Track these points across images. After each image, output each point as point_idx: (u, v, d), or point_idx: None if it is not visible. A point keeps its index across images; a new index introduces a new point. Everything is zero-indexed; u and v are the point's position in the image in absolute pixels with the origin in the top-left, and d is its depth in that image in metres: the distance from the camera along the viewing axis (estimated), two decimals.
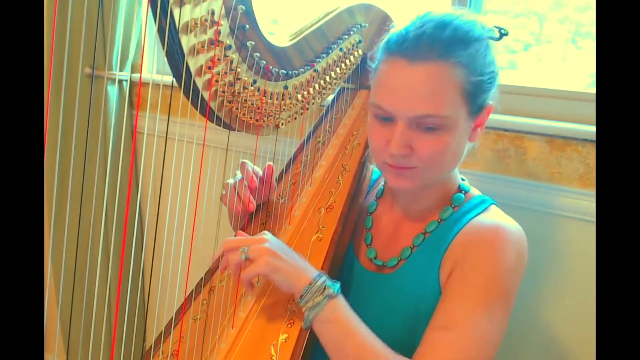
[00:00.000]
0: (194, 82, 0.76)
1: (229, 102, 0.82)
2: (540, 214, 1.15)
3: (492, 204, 0.88)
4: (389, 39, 0.81)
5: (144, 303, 1.81)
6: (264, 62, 0.83)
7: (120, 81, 1.66)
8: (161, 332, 0.88)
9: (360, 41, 1.02)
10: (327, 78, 0.97)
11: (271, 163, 0.97)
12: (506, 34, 0.84)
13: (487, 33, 0.81)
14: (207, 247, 0.89)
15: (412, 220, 0.90)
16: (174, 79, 0.75)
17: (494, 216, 0.85)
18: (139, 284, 1.78)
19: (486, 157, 1.21)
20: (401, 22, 0.82)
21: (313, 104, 0.97)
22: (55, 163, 1.68)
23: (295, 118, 0.95)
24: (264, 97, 0.86)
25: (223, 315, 0.85)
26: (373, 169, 1.05)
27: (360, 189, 0.99)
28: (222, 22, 0.75)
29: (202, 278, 0.92)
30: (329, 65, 0.97)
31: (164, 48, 0.71)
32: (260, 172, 0.97)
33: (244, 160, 0.96)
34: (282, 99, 0.89)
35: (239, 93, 0.82)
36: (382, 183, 0.99)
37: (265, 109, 0.87)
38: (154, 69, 1.66)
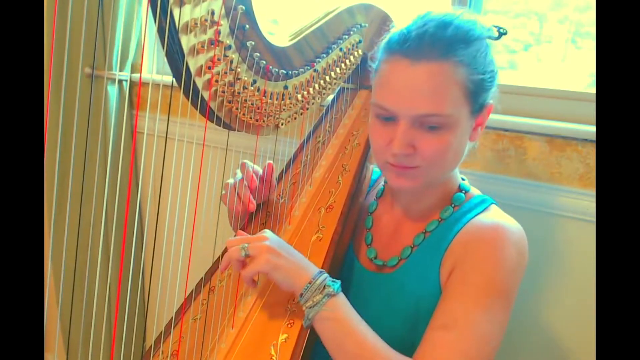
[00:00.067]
0: (194, 82, 0.76)
1: (229, 102, 0.82)
2: (540, 214, 1.15)
3: (493, 203, 0.88)
4: (390, 38, 0.81)
5: (144, 303, 1.81)
6: (264, 62, 0.83)
7: (120, 81, 1.66)
8: (161, 332, 0.88)
9: (360, 41, 1.02)
10: (327, 78, 0.97)
11: (271, 162, 0.97)
12: (505, 34, 0.84)
13: (487, 32, 0.81)
14: (207, 247, 0.89)
15: (413, 220, 0.90)
16: (174, 79, 0.75)
17: (494, 216, 0.85)
18: (139, 284, 1.78)
19: (486, 157, 1.21)
20: (401, 22, 0.83)
21: (313, 104, 0.97)
22: (55, 163, 1.68)
23: (295, 118, 0.95)
24: (263, 97, 0.86)
25: (223, 315, 0.85)
26: (373, 169, 1.05)
27: (360, 189, 0.99)
28: (222, 22, 0.75)
29: (202, 278, 0.92)
30: (329, 65, 0.97)
31: (163, 48, 0.71)
32: (261, 171, 0.97)
33: (244, 161, 0.96)
34: (282, 99, 0.89)
35: (238, 93, 0.82)
36: (382, 183, 0.99)
37: (265, 109, 0.87)
38: (154, 69, 1.66)
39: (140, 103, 1.60)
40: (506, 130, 1.18)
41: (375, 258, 0.90)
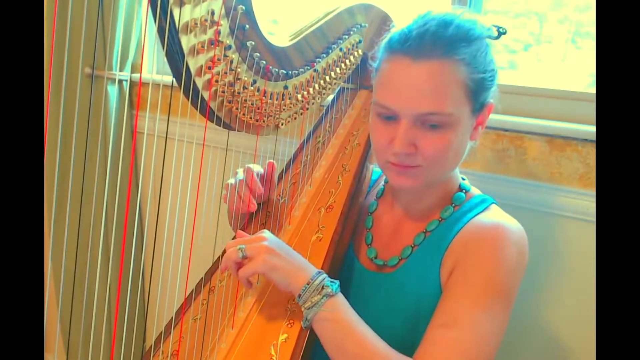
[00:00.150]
0: (194, 82, 0.76)
1: (229, 102, 0.82)
2: (540, 214, 1.15)
3: (493, 203, 0.88)
4: (391, 37, 0.81)
5: (144, 303, 1.81)
6: (264, 62, 0.83)
7: (120, 81, 1.66)
8: (161, 332, 0.88)
9: (360, 41, 1.02)
10: (327, 78, 0.97)
11: (272, 161, 0.97)
12: (504, 33, 0.84)
13: (487, 32, 0.81)
14: (207, 247, 0.89)
15: (413, 220, 0.90)
16: (174, 79, 0.75)
17: (495, 215, 0.85)
18: (139, 284, 1.78)
19: (486, 157, 1.21)
20: (401, 22, 0.83)
21: (313, 104, 0.97)
22: (55, 163, 1.68)
23: (295, 118, 0.95)
24: (263, 97, 0.86)
25: (223, 315, 0.85)
26: (373, 169, 1.05)
27: (360, 189, 0.99)
28: (222, 22, 0.75)
29: (202, 278, 0.92)
30: (329, 65, 0.97)
31: (164, 48, 0.71)
32: (262, 171, 0.97)
33: (249, 165, 0.96)
34: (282, 99, 0.89)
35: (238, 93, 0.82)
36: (383, 183, 0.99)
37: (265, 109, 0.87)
38: (154, 69, 1.66)
39: (140, 103, 1.61)
40: (506, 130, 1.18)
41: (376, 258, 0.90)
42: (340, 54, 0.99)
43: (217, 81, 0.78)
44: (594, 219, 1.09)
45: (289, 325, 0.79)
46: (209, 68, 0.76)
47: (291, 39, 0.89)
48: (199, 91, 0.77)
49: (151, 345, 0.86)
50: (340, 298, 0.77)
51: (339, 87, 1.11)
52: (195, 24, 0.72)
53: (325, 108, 1.12)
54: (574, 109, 1.16)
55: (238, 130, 0.87)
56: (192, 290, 0.90)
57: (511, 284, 0.78)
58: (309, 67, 0.92)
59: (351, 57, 1.02)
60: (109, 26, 1.59)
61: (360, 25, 1.01)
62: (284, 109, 0.91)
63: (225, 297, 0.88)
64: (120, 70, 1.64)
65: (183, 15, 0.71)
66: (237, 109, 0.84)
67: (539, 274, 1.16)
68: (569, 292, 1.15)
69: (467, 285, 0.78)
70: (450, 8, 0.93)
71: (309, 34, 0.91)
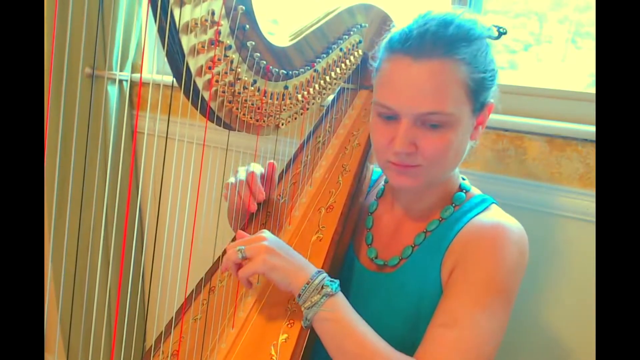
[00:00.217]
0: (194, 82, 0.76)
1: (229, 102, 0.82)
2: (540, 214, 1.15)
3: (493, 203, 0.88)
4: (391, 37, 0.81)
5: (144, 304, 1.81)
6: (264, 62, 0.83)
7: (120, 81, 1.66)
8: (161, 332, 0.88)
9: (360, 41, 1.02)
10: (327, 78, 0.97)
11: (273, 161, 0.97)
12: (505, 33, 0.84)
13: (487, 32, 0.81)
14: (207, 248, 0.89)
15: (413, 220, 0.90)
16: (174, 79, 0.75)
17: (495, 215, 0.85)
18: (139, 287, 1.78)
19: (486, 157, 1.21)
20: (401, 22, 0.83)
21: (313, 104, 0.97)
22: (55, 163, 1.68)
23: (296, 118, 0.95)
24: (264, 97, 0.86)
25: (223, 316, 0.85)
26: (373, 169, 1.05)
27: (361, 189, 0.99)
28: (222, 22, 0.75)
29: (202, 278, 0.92)
30: (329, 66, 0.97)
31: (164, 48, 0.71)
32: (263, 170, 0.97)
33: (250, 165, 0.96)
34: (282, 99, 0.89)
35: (239, 93, 0.82)
36: (383, 183, 1.00)
37: (265, 109, 0.87)
38: (154, 69, 1.66)
39: (140, 103, 1.61)
40: (506, 130, 1.18)
41: (376, 258, 0.90)
42: (341, 54, 0.99)
43: (217, 81, 0.78)
44: (594, 219, 1.09)
45: (289, 325, 0.79)
46: (209, 68, 0.76)
47: (291, 39, 0.89)
48: (199, 91, 0.77)
49: (151, 345, 0.86)
50: (340, 297, 0.77)
51: (339, 87, 1.11)
52: (196, 24, 0.72)
53: (325, 108, 1.12)
54: (574, 109, 1.16)
55: (238, 131, 0.87)
56: (193, 291, 0.90)
57: (511, 284, 0.78)
58: (309, 67, 0.92)
59: (351, 57, 1.02)
60: (109, 26, 1.59)
61: (361, 26, 1.01)
62: (284, 109, 0.91)
63: (225, 297, 0.88)
64: (121, 71, 1.64)
65: (183, 15, 0.71)
66: (237, 109, 0.84)
67: (539, 274, 1.16)
68: (569, 292, 1.15)
69: (467, 284, 0.78)
70: (450, 8, 0.93)
71: (309, 34, 0.91)
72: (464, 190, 0.89)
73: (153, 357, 0.84)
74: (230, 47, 0.78)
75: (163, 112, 1.54)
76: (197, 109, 0.79)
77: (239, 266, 0.78)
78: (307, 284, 0.75)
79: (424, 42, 0.76)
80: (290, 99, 0.91)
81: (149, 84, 1.48)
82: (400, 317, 0.84)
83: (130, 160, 1.68)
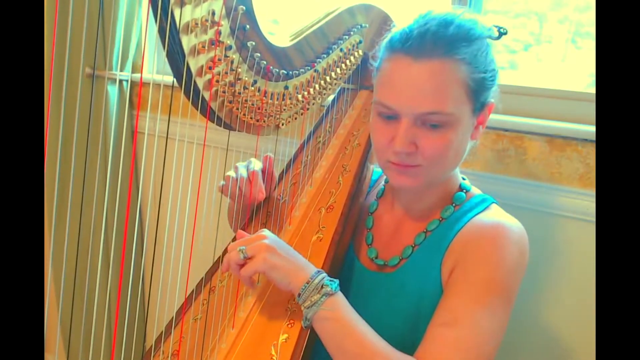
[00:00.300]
0: (195, 82, 0.76)
1: (230, 102, 0.82)
2: (540, 214, 1.15)
3: (493, 202, 0.88)
4: (392, 37, 0.81)
5: (144, 305, 1.81)
6: (265, 62, 0.83)
7: (120, 81, 1.66)
8: (162, 332, 0.88)
9: (360, 41, 1.02)
10: (328, 78, 0.97)
11: (268, 154, 0.97)
12: (505, 33, 0.84)
13: (487, 32, 0.81)
14: (207, 248, 0.89)
15: (414, 219, 0.90)
16: (175, 79, 0.75)
17: (495, 215, 0.85)
18: (139, 288, 1.78)
19: (486, 157, 1.21)
20: (401, 22, 0.83)
21: (313, 104, 0.97)
22: (56, 163, 1.68)
23: (296, 118, 0.96)
24: (264, 98, 0.86)
25: (223, 316, 0.85)
26: (373, 169, 1.05)
27: (361, 189, 0.99)
28: (222, 22, 0.75)
29: (202, 278, 0.92)
30: (330, 66, 0.97)
31: (164, 48, 0.71)
32: (261, 166, 0.97)
33: (255, 169, 0.95)
34: (283, 99, 0.89)
35: (239, 93, 0.82)
36: (383, 183, 1.00)
37: (265, 109, 0.88)
38: (155, 69, 1.66)
39: (140, 103, 1.61)
40: (506, 130, 1.18)
41: (376, 258, 0.90)
42: (341, 54, 0.99)
43: (217, 81, 0.78)
44: (594, 219, 1.09)
45: (290, 325, 0.79)
46: (210, 68, 0.76)
47: (292, 39, 0.89)
48: (199, 91, 0.77)
49: (152, 345, 0.86)
50: (340, 297, 0.77)
51: (339, 88, 1.11)
52: (196, 24, 0.72)
53: (325, 108, 1.12)
54: (574, 109, 1.16)
55: (239, 131, 0.87)
56: (193, 291, 0.91)
57: (512, 283, 0.78)
58: (309, 68, 0.92)
59: (352, 58, 1.02)
60: (109, 26, 1.59)
61: (361, 26, 1.01)
62: (284, 109, 0.91)
63: (225, 297, 0.88)
64: (121, 71, 1.64)
65: (184, 15, 0.71)
66: (237, 109, 0.84)
67: (539, 274, 1.16)
68: (569, 292, 1.15)
69: (467, 284, 0.78)
70: (450, 8, 0.93)
71: (309, 34, 0.91)
72: (464, 190, 0.89)
73: (153, 357, 0.84)
74: (230, 47, 0.78)
75: (163, 112, 1.54)
76: (197, 109, 0.79)
77: (240, 267, 0.78)
78: (307, 283, 0.75)
79: (424, 42, 0.76)
80: (290, 99, 0.91)
81: (149, 84, 1.48)
82: (400, 316, 0.84)
83: (130, 161, 1.68)
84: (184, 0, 0.70)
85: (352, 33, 0.99)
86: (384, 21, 1.04)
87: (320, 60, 0.94)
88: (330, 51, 0.96)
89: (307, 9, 1.51)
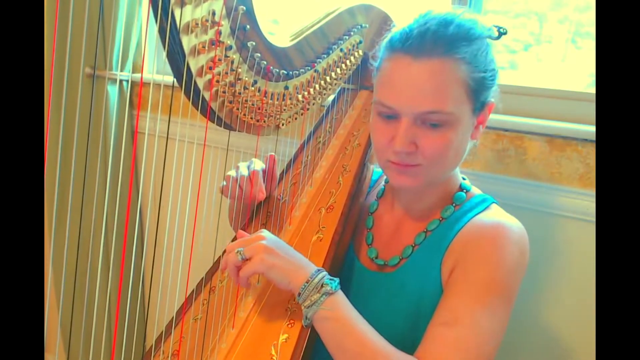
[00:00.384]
0: (195, 82, 0.76)
1: (230, 102, 0.82)
2: (540, 214, 1.15)
3: (493, 202, 0.88)
4: (392, 36, 0.82)
5: (144, 304, 1.81)
6: (265, 62, 0.83)
7: (120, 81, 1.66)
8: (162, 332, 0.88)
9: (360, 42, 1.03)
10: (328, 78, 0.97)
11: (273, 153, 0.97)
12: (505, 33, 0.84)
13: (487, 32, 0.82)
14: (208, 248, 0.89)
15: (414, 219, 0.90)
16: (175, 79, 0.75)
17: (495, 215, 0.85)
18: (139, 289, 1.78)
19: (486, 157, 1.21)
20: (401, 22, 0.83)
21: (313, 104, 0.97)
22: (56, 162, 1.68)
23: (296, 118, 0.96)
24: (264, 98, 0.86)
25: (223, 316, 0.85)
26: (373, 169, 1.05)
27: (361, 189, 0.99)
28: (222, 22, 0.75)
29: (202, 278, 0.92)
30: (330, 66, 0.97)
31: (164, 48, 0.71)
32: (264, 166, 0.97)
33: (255, 169, 0.95)
34: (283, 100, 0.89)
35: (239, 93, 0.82)
36: (383, 183, 1.00)
37: (265, 109, 0.88)
38: (155, 69, 1.66)
39: (141, 103, 1.61)
40: (506, 130, 1.18)
41: (376, 258, 0.90)
42: (341, 54, 0.99)
43: (217, 81, 0.78)
44: (594, 219, 1.09)
45: (290, 325, 0.79)
46: (210, 68, 0.76)
47: (292, 40, 0.89)
48: (199, 91, 0.77)
49: (152, 345, 0.86)
50: (340, 296, 0.77)
51: (339, 88, 1.11)
52: (196, 24, 0.72)
53: (325, 108, 1.12)
54: (574, 109, 1.16)
55: (239, 131, 0.87)
56: (193, 291, 0.91)
57: (512, 283, 0.78)
58: (309, 68, 0.92)
59: (352, 58, 1.02)
60: (109, 26, 1.59)
61: (361, 26, 1.01)
62: (284, 110, 0.91)
63: (225, 297, 0.88)
64: (121, 71, 1.64)
65: (184, 15, 0.71)
66: (237, 109, 0.84)
67: (539, 274, 1.16)
68: (569, 292, 1.15)
69: (467, 283, 0.78)
70: (450, 8, 0.93)
71: (309, 35, 0.91)
72: (465, 190, 0.89)
73: (153, 357, 0.84)
74: (230, 47, 0.78)
75: (163, 112, 1.54)
76: (197, 109, 0.79)
77: (239, 268, 0.78)
78: (307, 282, 0.75)
79: (424, 42, 0.76)
80: (290, 99, 0.91)
81: (149, 84, 1.48)
82: (400, 316, 0.85)
83: (130, 161, 1.68)
84: (184, 1, 0.70)
85: (352, 33, 0.99)
86: (384, 21, 1.04)
87: (321, 60, 0.94)
88: (331, 51, 0.96)
89: (307, 9, 1.52)
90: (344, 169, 1.00)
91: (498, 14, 1.32)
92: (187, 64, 0.73)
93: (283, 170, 1.06)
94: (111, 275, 1.74)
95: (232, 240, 0.90)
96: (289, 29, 0.91)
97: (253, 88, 0.84)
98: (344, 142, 1.06)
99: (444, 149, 0.79)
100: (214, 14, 0.74)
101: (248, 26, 0.78)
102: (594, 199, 1.10)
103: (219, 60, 0.77)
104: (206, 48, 0.75)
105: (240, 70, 0.81)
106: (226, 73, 0.79)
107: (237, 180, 0.94)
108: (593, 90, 1.18)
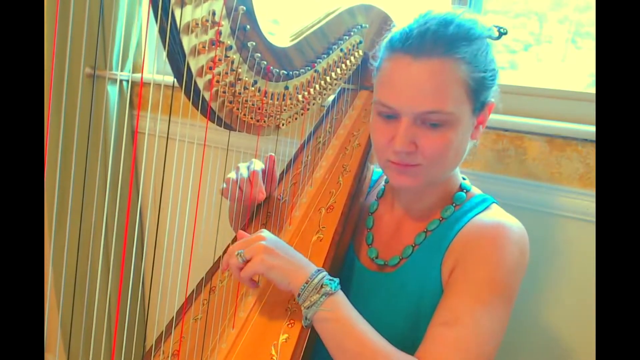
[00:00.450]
0: (195, 82, 0.76)
1: (230, 102, 0.82)
2: (540, 214, 1.16)
3: (494, 202, 0.88)
4: (392, 36, 0.82)
5: (144, 304, 1.81)
6: (265, 62, 0.83)
7: (120, 81, 1.66)
8: (162, 332, 0.88)
9: (360, 42, 1.03)
10: (328, 79, 0.97)
11: (273, 154, 0.97)
12: (505, 33, 0.84)
13: (487, 32, 0.82)
14: (208, 250, 0.89)
15: (414, 219, 0.90)
16: (175, 79, 0.75)
17: (496, 214, 0.85)
18: (139, 289, 1.78)
19: (486, 157, 1.21)
20: (401, 23, 0.83)
21: (313, 104, 0.97)
22: (56, 162, 1.68)
23: (296, 118, 0.96)
24: (264, 98, 0.86)
25: (224, 316, 0.85)
26: (373, 170, 1.05)
27: (361, 189, 0.99)
28: (223, 22, 0.75)
29: (202, 278, 0.92)
30: (330, 66, 0.97)
31: (165, 48, 0.71)
32: (263, 166, 0.97)
33: (255, 169, 0.95)
34: (283, 100, 0.90)
35: (239, 93, 0.82)
36: (383, 183, 1.00)
37: (265, 110, 0.88)
38: (155, 69, 1.66)
39: (141, 103, 1.61)
40: (506, 130, 1.18)
41: (377, 258, 0.90)
42: (341, 54, 0.99)
43: (218, 81, 0.78)
44: (594, 219, 1.09)
45: (290, 325, 0.79)
46: (210, 68, 0.77)
47: (292, 40, 0.89)
48: (199, 91, 0.77)
49: (152, 346, 0.86)
50: (340, 296, 0.77)
51: (339, 88, 1.11)
52: (197, 24, 0.72)
53: (325, 108, 1.12)
54: (574, 109, 1.16)
55: (239, 131, 0.87)
56: (193, 291, 0.91)
57: (512, 283, 0.79)
58: (309, 68, 0.92)
59: (352, 58, 1.02)
60: (109, 26, 1.59)
61: (361, 26, 1.01)
62: (284, 110, 0.91)
63: (225, 297, 0.88)
64: (121, 71, 1.64)
65: (184, 15, 0.71)
66: (237, 109, 0.84)
67: (539, 274, 1.16)
68: (569, 292, 1.15)
69: (468, 283, 0.78)
70: (450, 8, 0.93)
71: (309, 35, 0.91)
72: (465, 190, 0.89)
73: (153, 357, 0.84)
74: (231, 47, 0.78)
75: (164, 112, 1.54)
76: (197, 109, 0.79)
77: (239, 271, 0.78)
78: (307, 283, 0.75)
79: (424, 41, 0.76)
80: (290, 99, 0.91)
81: (149, 84, 1.48)
82: (400, 316, 0.85)
83: (130, 161, 1.68)
84: (185, 1, 0.70)
85: (352, 33, 0.99)
86: (384, 21, 1.04)
87: (321, 60, 0.94)
88: (331, 51, 0.96)
89: (307, 9, 1.52)
90: (344, 169, 1.00)
91: (498, 14, 1.32)
92: (187, 64, 0.73)
93: (283, 171, 1.06)
94: (111, 275, 1.74)
95: (233, 241, 0.90)
96: (289, 29, 0.91)
97: (253, 88, 0.84)
98: (344, 142, 1.06)
99: (444, 149, 0.79)
100: (214, 14, 0.74)
101: (248, 26, 0.78)
102: (594, 199, 1.10)
103: (219, 60, 0.77)
104: (206, 48, 0.75)
105: (240, 70, 0.81)
106: (226, 73, 0.79)
107: (237, 182, 0.94)
108: (593, 90, 1.18)
